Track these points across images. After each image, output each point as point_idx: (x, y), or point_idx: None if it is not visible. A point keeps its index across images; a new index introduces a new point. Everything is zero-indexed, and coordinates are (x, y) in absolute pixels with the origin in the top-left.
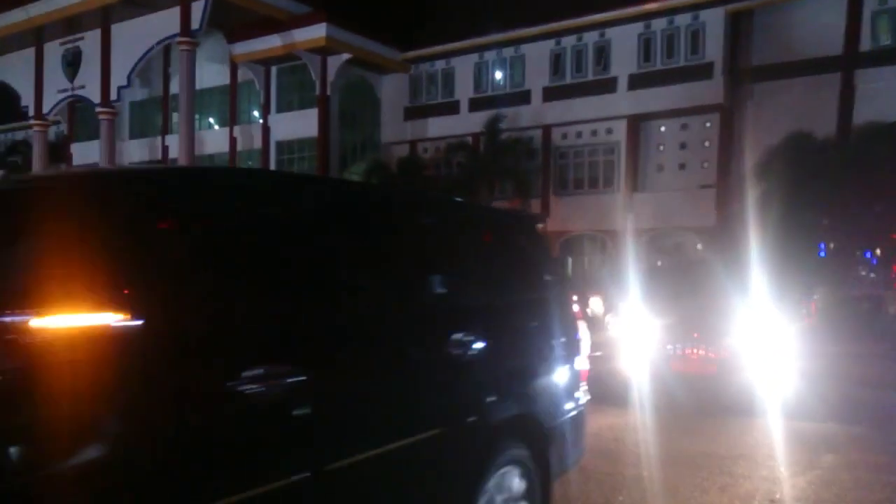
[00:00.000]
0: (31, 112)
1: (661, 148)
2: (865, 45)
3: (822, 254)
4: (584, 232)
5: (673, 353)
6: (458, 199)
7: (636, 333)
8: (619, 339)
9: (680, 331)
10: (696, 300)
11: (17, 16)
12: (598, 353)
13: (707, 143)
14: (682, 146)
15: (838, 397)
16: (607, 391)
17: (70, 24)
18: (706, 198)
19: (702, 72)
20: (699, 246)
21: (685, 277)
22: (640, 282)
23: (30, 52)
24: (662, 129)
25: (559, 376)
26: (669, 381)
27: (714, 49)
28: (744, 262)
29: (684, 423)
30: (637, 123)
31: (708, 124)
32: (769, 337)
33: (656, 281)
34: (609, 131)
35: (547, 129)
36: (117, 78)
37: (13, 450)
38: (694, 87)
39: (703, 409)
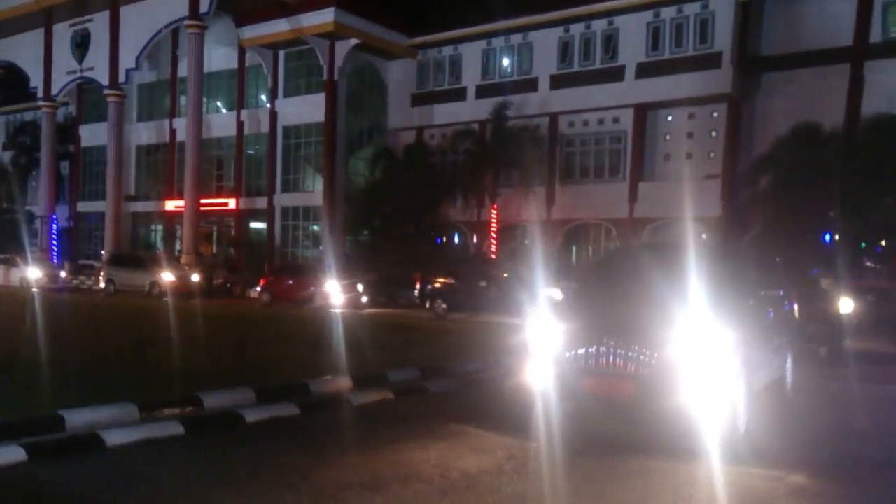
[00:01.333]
0: (40, 93)
1: (668, 137)
2: (875, 36)
3: (828, 240)
4: (589, 220)
5: (584, 365)
6: None
7: (545, 339)
8: (528, 345)
9: (594, 336)
10: (629, 296)
11: None
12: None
13: (714, 133)
14: (689, 136)
15: (804, 431)
16: (503, 414)
17: (79, 6)
18: (712, 188)
19: (710, 61)
20: (704, 235)
21: (625, 268)
22: (569, 274)
23: (39, 34)
24: (669, 118)
25: None
26: (576, 404)
27: (723, 38)
28: (724, 249)
29: (568, 475)
30: (644, 112)
31: (715, 114)
32: (718, 344)
33: (589, 273)
34: (616, 120)
35: (554, 117)
36: (126, 60)
37: None
38: (702, 77)
39: (611, 447)
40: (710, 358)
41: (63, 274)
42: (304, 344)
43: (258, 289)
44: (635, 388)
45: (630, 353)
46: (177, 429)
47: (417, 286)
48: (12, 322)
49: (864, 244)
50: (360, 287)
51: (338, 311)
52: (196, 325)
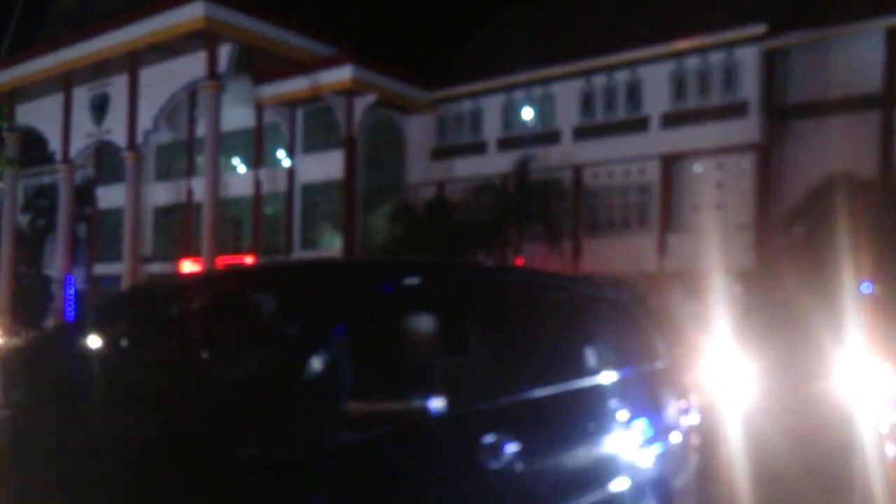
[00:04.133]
0: (59, 156)
1: (697, 188)
2: None
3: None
4: (618, 274)
5: None
6: None
7: None
8: None
9: None
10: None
11: (46, 62)
12: None
13: (744, 183)
14: (719, 186)
15: None
16: None
17: (98, 70)
18: (745, 239)
19: (737, 110)
20: (738, 288)
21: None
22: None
23: (58, 97)
24: (697, 168)
25: None
26: None
27: (749, 87)
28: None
29: None
30: (670, 163)
31: (745, 163)
32: None
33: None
34: (642, 171)
35: (577, 170)
36: (143, 122)
37: None
38: (729, 126)
39: None
40: None
41: None
42: None
43: None
44: None
45: None
46: None
47: None
48: None
49: None
50: None
51: None
52: None
